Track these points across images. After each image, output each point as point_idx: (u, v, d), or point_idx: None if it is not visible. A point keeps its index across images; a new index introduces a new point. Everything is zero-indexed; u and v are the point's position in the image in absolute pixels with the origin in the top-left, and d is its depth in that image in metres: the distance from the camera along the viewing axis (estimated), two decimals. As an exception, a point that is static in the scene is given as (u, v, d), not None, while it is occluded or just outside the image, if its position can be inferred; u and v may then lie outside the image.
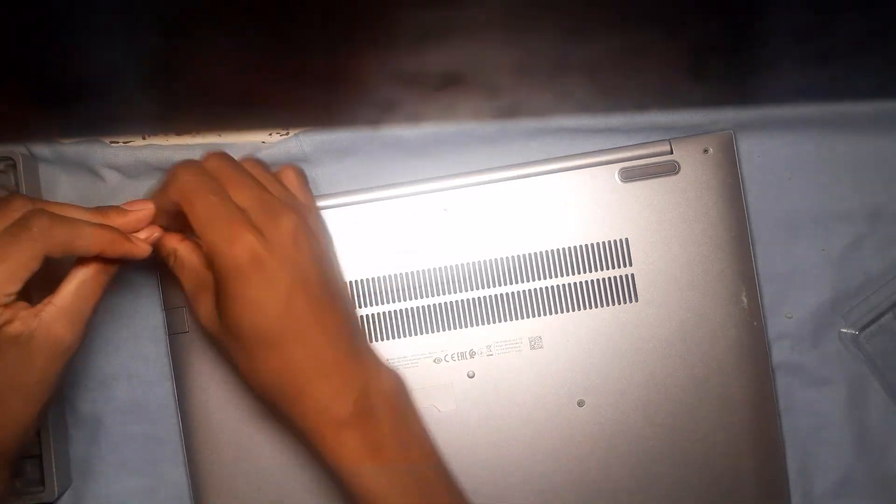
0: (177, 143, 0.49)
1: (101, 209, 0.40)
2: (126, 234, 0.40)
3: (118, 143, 0.49)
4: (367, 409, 0.39)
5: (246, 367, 0.40)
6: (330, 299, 0.41)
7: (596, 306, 0.47)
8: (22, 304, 0.37)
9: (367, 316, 0.47)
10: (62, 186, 0.50)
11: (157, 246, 0.42)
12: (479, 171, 0.47)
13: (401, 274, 0.47)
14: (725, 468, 0.46)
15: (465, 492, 0.41)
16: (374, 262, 0.47)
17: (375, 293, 0.47)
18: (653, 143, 0.47)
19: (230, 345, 0.40)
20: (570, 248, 0.47)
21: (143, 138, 0.49)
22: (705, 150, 0.47)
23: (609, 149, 0.47)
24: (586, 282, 0.47)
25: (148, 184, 0.49)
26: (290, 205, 0.40)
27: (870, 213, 0.49)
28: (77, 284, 0.38)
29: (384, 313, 0.47)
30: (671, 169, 0.47)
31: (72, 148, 0.49)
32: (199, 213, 0.38)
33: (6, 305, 0.36)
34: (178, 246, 0.42)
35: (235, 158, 0.42)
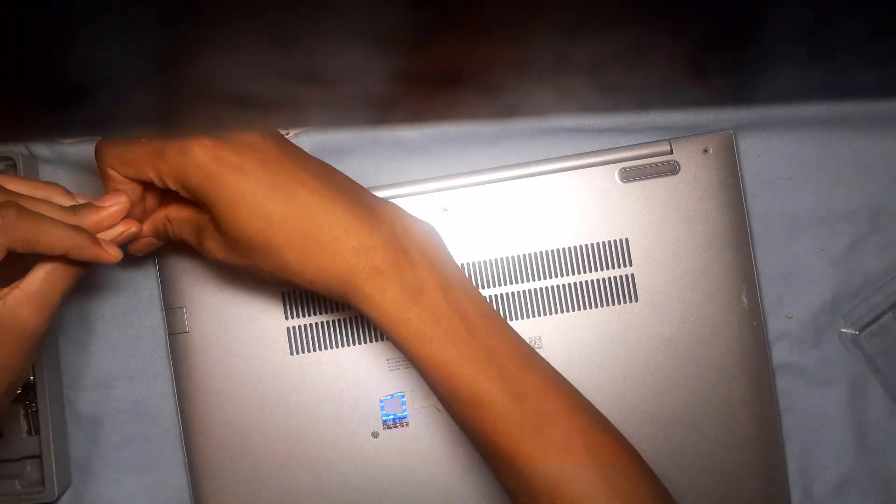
0: (177, 143, 0.49)
1: (77, 208, 0.39)
2: (94, 238, 0.39)
3: (118, 143, 0.49)
4: (400, 255, 0.38)
5: (270, 264, 0.39)
6: (312, 167, 0.39)
7: (596, 306, 0.47)
8: None
9: (367, 316, 0.47)
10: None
11: (150, 230, 0.41)
12: (479, 171, 0.47)
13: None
14: (725, 468, 0.46)
15: (520, 338, 0.40)
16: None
17: (375, 293, 0.47)
18: (653, 143, 0.47)
19: (246, 255, 0.39)
20: (570, 248, 0.47)
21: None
22: (705, 150, 0.47)
23: (609, 149, 0.47)
24: (586, 282, 0.47)
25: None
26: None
27: (870, 213, 0.49)
28: (48, 271, 0.38)
29: (384, 313, 0.47)
30: (671, 169, 0.47)
31: (72, 148, 0.49)
32: (144, 157, 0.38)
33: None
34: (165, 213, 0.41)
35: None
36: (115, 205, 0.40)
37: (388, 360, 0.47)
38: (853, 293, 0.49)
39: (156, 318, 0.49)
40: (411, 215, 0.41)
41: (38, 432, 0.49)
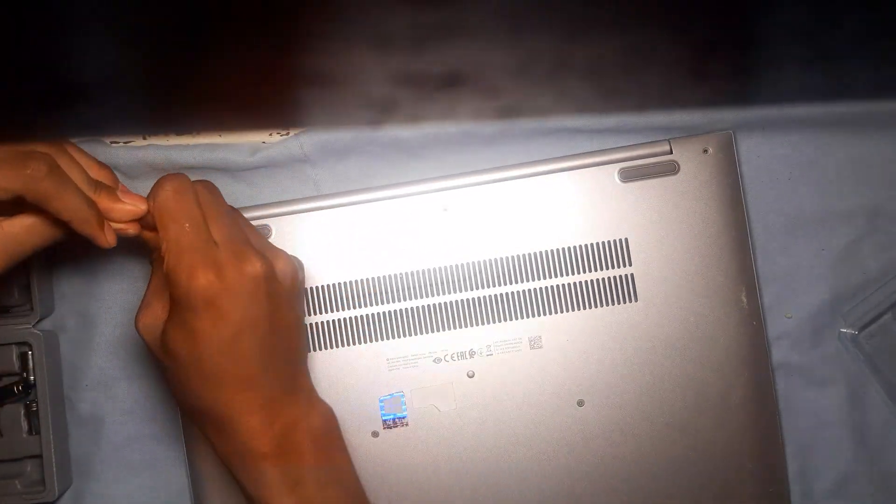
0: (177, 143, 0.49)
1: (99, 186, 0.40)
2: (101, 219, 0.40)
3: (118, 143, 0.49)
4: (290, 446, 0.40)
5: (175, 387, 0.41)
6: (276, 343, 0.41)
7: (596, 306, 0.47)
8: None
9: (367, 316, 0.47)
10: (62, 186, 0.50)
11: (145, 237, 0.42)
12: (479, 171, 0.47)
13: (401, 274, 0.47)
14: (725, 468, 0.46)
15: None
16: (373, 263, 0.47)
17: (375, 293, 0.47)
18: (652, 143, 0.47)
19: (165, 359, 0.40)
20: (570, 248, 0.47)
21: (143, 138, 0.49)
22: (705, 150, 0.47)
23: (609, 149, 0.47)
24: (586, 282, 0.47)
25: (148, 184, 0.49)
26: (259, 252, 0.41)
27: (869, 213, 0.49)
28: (31, 223, 0.38)
29: (384, 313, 0.47)
30: (671, 169, 0.47)
31: (72, 148, 0.49)
32: (171, 235, 0.39)
33: None
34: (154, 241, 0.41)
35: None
36: (135, 207, 0.40)
37: (388, 360, 0.47)
38: (853, 293, 0.49)
39: (156, 318, 0.49)
40: (319, 402, 0.43)
41: (38, 432, 0.49)
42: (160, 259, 0.40)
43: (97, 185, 0.40)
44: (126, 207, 0.40)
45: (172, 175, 0.41)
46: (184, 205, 0.39)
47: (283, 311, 0.41)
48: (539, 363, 0.47)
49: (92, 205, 0.39)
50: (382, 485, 0.47)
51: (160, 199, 0.40)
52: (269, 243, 0.44)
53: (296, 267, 0.43)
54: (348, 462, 0.44)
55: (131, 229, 0.41)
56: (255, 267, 0.39)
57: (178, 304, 0.39)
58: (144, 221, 0.41)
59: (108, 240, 0.40)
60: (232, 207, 0.43)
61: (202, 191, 0.41)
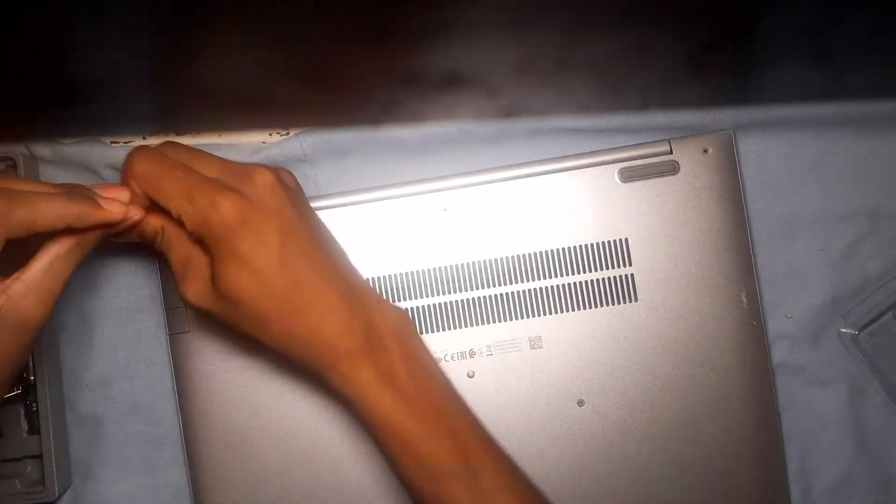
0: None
1: (72, 191, 0.39)
2: (94, 201, 0.39)
3: (118, 143, 0.49)
4: (376, 340, 0.40)
5: (252, 326, 0.40)
6: (319, 242, 0.41)
7: (596, 306, 0.47)
8: None
9: (367, 316, 0.47)
10: (62, 186, 0.50)
11: (141, 227, 0.41)
12: (479, 171, 0.47)
13: (401, 274, 0.47)
14: (725, 468, 0.46)
15: (479, 420, 0.42)
16: (374, 262, 0.47)
17: (375, 293, 0.47)
18: (652, 143, 0.47)
19: (230, 311, 0.40)
20: (569, 248, 0.47)
21: (143, 138, 0.49)
22: (705, 150, 0.47)
23: (609, 149, 0.47)
24: (586, 282, 0.47)
25: (148, 184, 0.49)
26: (256, 165, 0.41)
27: (870, 213, 0.49)
28: (49, 261, 0.37)
29: (384, 313, 0.47)
30: (671, 169, 0.47)
31: (72, 148, 0.49)
32: (171, 191, 0.38)
33: None
34: (164, 223, 0.41)
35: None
36: (115, 199, 0.40)
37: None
38: (853, 293, 0.49)
39: (156, 318, 0.49)
40: (387, 302, 0.43)
41: (38, 432, 0.49)
42: (168, 237, 0.40)
43: (65, 188, 0.39)
44: (110, 203, 0.39)
45: (137, 148, 0.40)
46: (161, 161, 0.39)
47: (307, 210, 0.41)
48: (539, 363, 0.47)
49: (74, 198, 0.38)
50: (383, 485, 0.47)
51: (139, 171, 0.39)
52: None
53: (288, 171, 0.43)
54: (428, 350, 0.43)
55: (135, 215, 0.40)
56: (263, 174, 0.39)
57: (217, 245, 0.38)
58: (139, 204, 0.40)
59: (115, 211, 0.39)
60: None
61: (171, 149, 0.41)
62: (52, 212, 0.36)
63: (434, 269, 0.47)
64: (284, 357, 0.42)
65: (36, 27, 0.12)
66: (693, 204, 0.47)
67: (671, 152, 0.47)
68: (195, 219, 0.38)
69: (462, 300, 0.47)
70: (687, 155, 0.47)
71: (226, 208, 0.38)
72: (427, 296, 0.47)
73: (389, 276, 0.47)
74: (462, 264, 0.47)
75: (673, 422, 0.46)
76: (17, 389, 0.49)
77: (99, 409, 0.50)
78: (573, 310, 0.47)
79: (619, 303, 0.47)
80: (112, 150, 0.48)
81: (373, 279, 0.47)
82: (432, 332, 0.47)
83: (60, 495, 0.49)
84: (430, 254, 0.47)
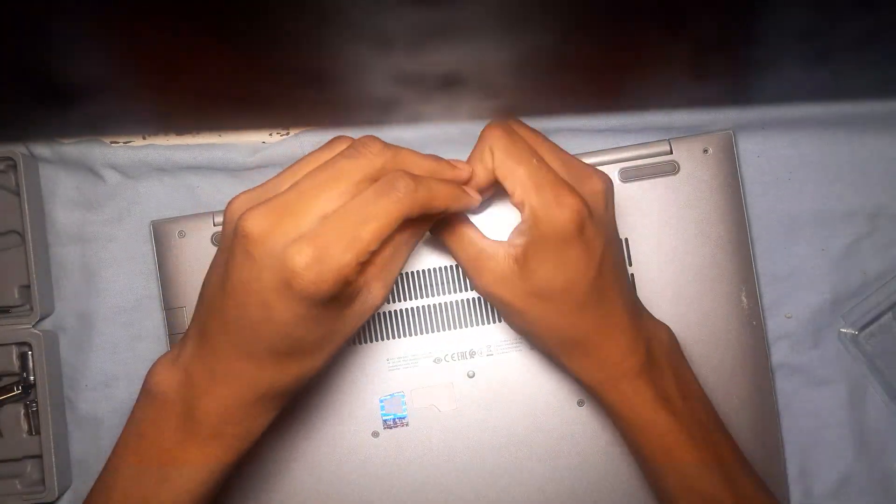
0: (177, 143, 0.49)
1: (438, 163, 0.39)
2: (461, 187, 0.39)
3: (118, 143, 0.49)
4: (654, 361, 0.41)
5: (541, 325, 0.40)
6: (621, 260, 0.42)
7: (596, 306, 0.47)
8: None
9: (367, 316, 0.47)
10: (62, 186, 0.50)
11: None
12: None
13: (401, 274, 0.47)
14: (725, 468, 0.46)
15: (737, 445, 0.43)
16: (374, 262, 0.47)
17: (375, 293, 0.47)
18: (653, 143, 0.47)
19: (531, 305, 0.40)
20: (570, 248, 0.47)
21: (143, 138, 0.49)
22: (705, 150, 0.47)
23: (609, 149, 0.47)
24: (586, 282, 0.47)
25: (148, 184, 0.50)
26: (593, 167, 0.41)
27: (870, 213, 0.49)
28: (394, 247, 0.38)
29: (385, 313, 0.47)
30: (671, 169, 0.47)
31: (72, 148, 0.49)
32: (523, 177, 0.38)
33: (361, 263, 0.35)
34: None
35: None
36: (465, 171, 0.39)
37: (388, 360, 0.47)
38: (853, 293, 0.49)
39: (156, 318, 0.49)
40: (657, 320, 0.43)
41: (38, 432, 0.49)
42: (458, 232, 0.40)
43: (437, 164, 0.39)
44: (463, 175, 0.39)
45: (495, 122, 0.39)
46: (520, 144, 0.39)
47: (616, 224, 0.42)
48: (539, 363, 0.47)
49: (452, 182, 0.38)
50: (382, 485, 0.47)
51: (498, 147, 0.39)
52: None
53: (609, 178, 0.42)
54: (694, 374, 0.43)
55: (476, 197, 0.40)
56: (599, 180, 0.39)
57: (547, 240, 0.38)
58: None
59: (476, 199, 0.39)
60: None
61: (520, 127, 0.40)
62: (442, 195, 0.37)
63: (434, 268, 0.47)
64: (557, 362, 0.42)
65: (36, 27, 0.12)
66: (693, 204, 0.47)
67: (671, 152, 0.47)
68: (538, 212, 0.38)
69: (462, 300, 0.47)
70: (687, 155, 0.47)
71: (570, 212, 0.37)
72: (427, 296, 0.47)
73: (389, 276, 0.47)
74: (462, 264, 0.47)
75: (673, 422, 0.46)
76: (17, 389, 0.49)
77: (99, 409, 0.50)
78: (573, 310, 0.47)
79: (619, 303, 0.47)
80: (112, 150, 0.49)
81: (373, 279, 0.47)
82: (432, 332, 0.47)
83: (60, 495, 0.49)
84: (431, 254, 0.47)
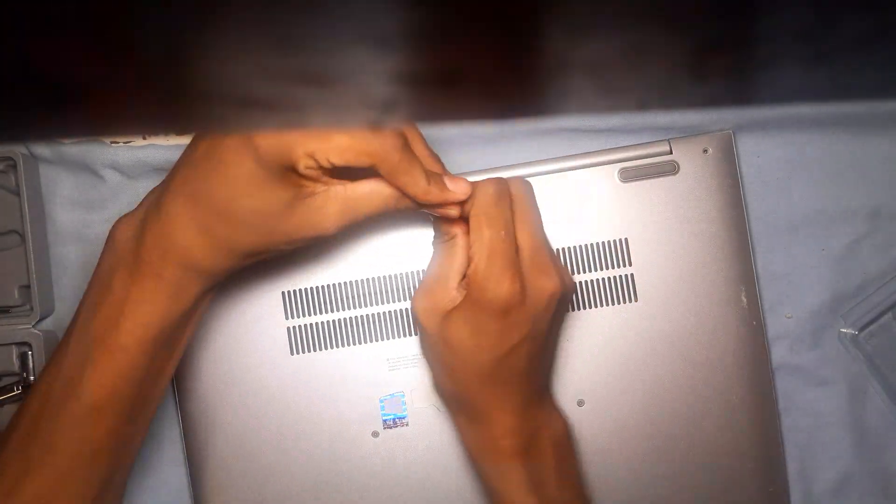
0: (177, 143, 0.49)
1: (433, 158, 0.40)
2: (441, 194, 0.40)
3: (118, 143, 0.49)
4: (537, 448, 0.42)
5: (442, 373, 0.43)
6: (544, 353, 0.43)
7: (596, 306, 0.47)
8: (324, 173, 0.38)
9: (367, 316, 0.47)
10: (62, 186, 0.50)
11: (447, 220, 0.42)
12: (479, 171, 0.47)
13: (401, 274, 0.47)
14: (725, 468, 0.46)
15: None
16: (374, 263, 0.47)
17: (376, 293, 0.47)
18: (652, 143, 0.47)
19: (438, 346, 0.42)
20: (570, 247, 0.47)
21: (143, 138, 0.49)
22: (705, 151, 0.47)
23: (609, 149, 0.47)
24: (586, 282, 0.47)
25: (148, 184, 0.50)
26: (556, 266, 0.41)
27: (870, 213, 0.49)
28: (372, 189, 0.39)
29: (385, 313, 0.47)
30: (671, 169, 0.47)
31: (72, 148, 0.49)
32: (485, 240, 0.40)
33: (321, 169, 0.36)
34: (459, 233, 0.42)
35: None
36: (462, 195, 0.40)
37: (388, 360, 0.47)
38: (853, 293, 0.49)
39: (156, 318, 0.49)
40: (557, 407, 0.44)
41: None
42: (449, 247, 0.41)
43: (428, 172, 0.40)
44: (456, 196, 0.40)
45: (495, 180, 0.41)
46: (502, 212, 0.40)
47: (557, 325, 0.43)
48: (539, 363, 0.46)
49: (432, 182, 0.39)
50: (382, 485, 0.47)
51: (481, 203, 0.40)
52: (554, 254, 0.43)
53: (574, 284, 0.44)
54: (578, 468, 0.45)
55: (453, 212, 0.41)
56: (553, 284, 0.40)
57: (475, 303, 0.40)
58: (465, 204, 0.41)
59: (452, 213, 0.40)
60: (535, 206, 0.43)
61: (520, 194, 0.41)
62: (414, 177, 0.38)
63: (434, 269, 0.47)
64: (452, 422, 0.45)
65: (35, 27, 0.12)
66: (693, 204, 0.47)
67: (671, 152, 0.47)
68: (477, 274, 0.39)
69: (462, 300, 0.47)
70: (687, 155, 0.47)
71: (502, 292, 0.39)
72: (427, 296, 0.47)
73: (390, 275, 0.47)
74: (462, 264, 0.47)
75: (672, 421, 0.46)
76: (17, 389, 0.49)
77: (99, 409, 0.50)
78: (573, 309, 0.47)
79: (619, 303, 0.47)
80: (112, 150, 0.48)
81: (373, 279, 0.47)
82: (432, 332, 0.47)
83: (60, 495, 0.49)
84: (431, 254, 0.47)
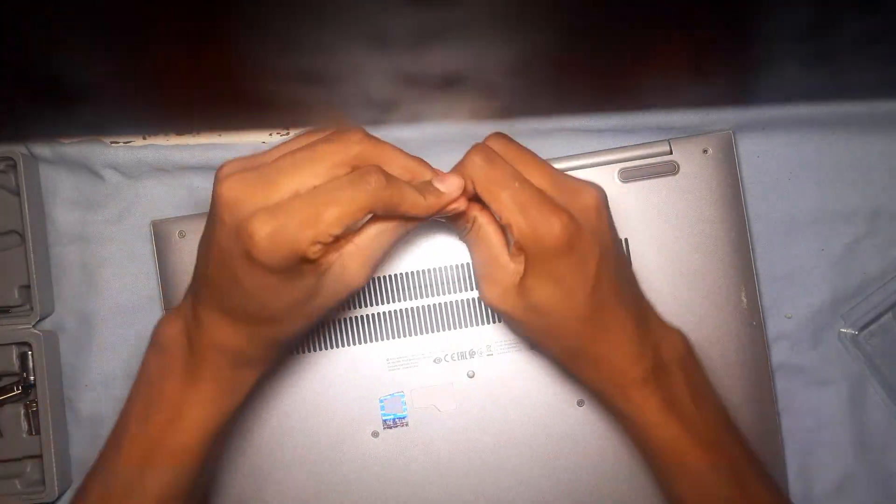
0: (177, 143, 0.49)
1: (419, 165, 0.39)
2: (439, 196, 0.39)
3: (118, 143, 0.49)
4: (662, 367, 0.41)
5: (546, 337, 0.41)
6: (624, 267, 0.42)
7: (596, 306, 0.47)
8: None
9: (367, 316, 0.47)
10: (62, 186, 0.50)
11: (461, 211, 0.41)
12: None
13: (401, 274, 0.47)
14: (725, 468, 0.46)
15: (752, 448, 0.42)
16: (374, 262, 0.47)
17: (376, 293, 0.47)
18: (653, 143, 0.47)
19: (532, 320, 0.40)
20: (570, 248, 0.47)
21: (143, 138, 0.49)
22: (705, 151, 0.47)
23: (609, 149, 0.47)
24: (586, 282, 0.47)
25: (148, 184, 0.50)
26: (579, 181, 0.41)
27: (870, 213, 0.49)
28: (378, 230, 0.38)
29: (385, 313, 0.47)
30: (671, 169, 0.47)
31: (72, 148, 0.49)
32: (507, 201, 0.39)
33: (328, 245, 0.36)
34: (478, 214, 0.41)
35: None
36: (457, 191, 0.39)
37: (388, 360, 0.47)
38: (852, 293, 0.49)
39: (156, 318, 0.49)
40: (669, 324, 0.43)
41: (38, 432, 0.49)
42: (477, 231, 0.41)
43: (419, 186, 0.39)
44: (453, 194, 0.39)
45: (477, 147, 0.40)
46: (501, 168, 0.39)
47: (615, 231, 0.42)
48: (539, 363, 0.47)
49: (424, 189, 0.38)
50: (382, 485, 0.47)
51: (478, 176, 0.39)
52: (567, 174, 0.42)
53: (602, 189, 0.42)
54: (705, 372, 0.44)
55: (461, 205, 0.40)
56: (591, 195, 0.40)
57: (539, 257, 0.39)
58: (465, 191, 0.40)
59: (460, 207, 0.40)
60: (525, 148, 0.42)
61: (504, 147, 0.41)
62: (411, 204, 0.38)
63: (434, 269, 0.47)
64: (568, 369, 0.43)
65: (36, 28, 0.12)
66: (693, 204, 0.47)
67: (671, 152, 0.47)
68: (525, 232, 0.38)
69: (462, 300, 0.47)
70: (687, 155, 0.47)
71: (557, 229, 0.38)
72: (427, 296, 0.47)
73: (389, 276, 0.47)
74: (462, 264, 0.47)
75: (673, 422, 0.46)
76: (17, 389, 0.49)
77: (99, 409, 0.50)
78: (573, 310, 0.47)
79: (619, 303, 0.47)
80: (112, 150, 0.48)
81: (373, 279, 0.47)
82: (432, 332, 0.47)
83: (60, 495, 0.49)
84: (431, 254, 0.47)
